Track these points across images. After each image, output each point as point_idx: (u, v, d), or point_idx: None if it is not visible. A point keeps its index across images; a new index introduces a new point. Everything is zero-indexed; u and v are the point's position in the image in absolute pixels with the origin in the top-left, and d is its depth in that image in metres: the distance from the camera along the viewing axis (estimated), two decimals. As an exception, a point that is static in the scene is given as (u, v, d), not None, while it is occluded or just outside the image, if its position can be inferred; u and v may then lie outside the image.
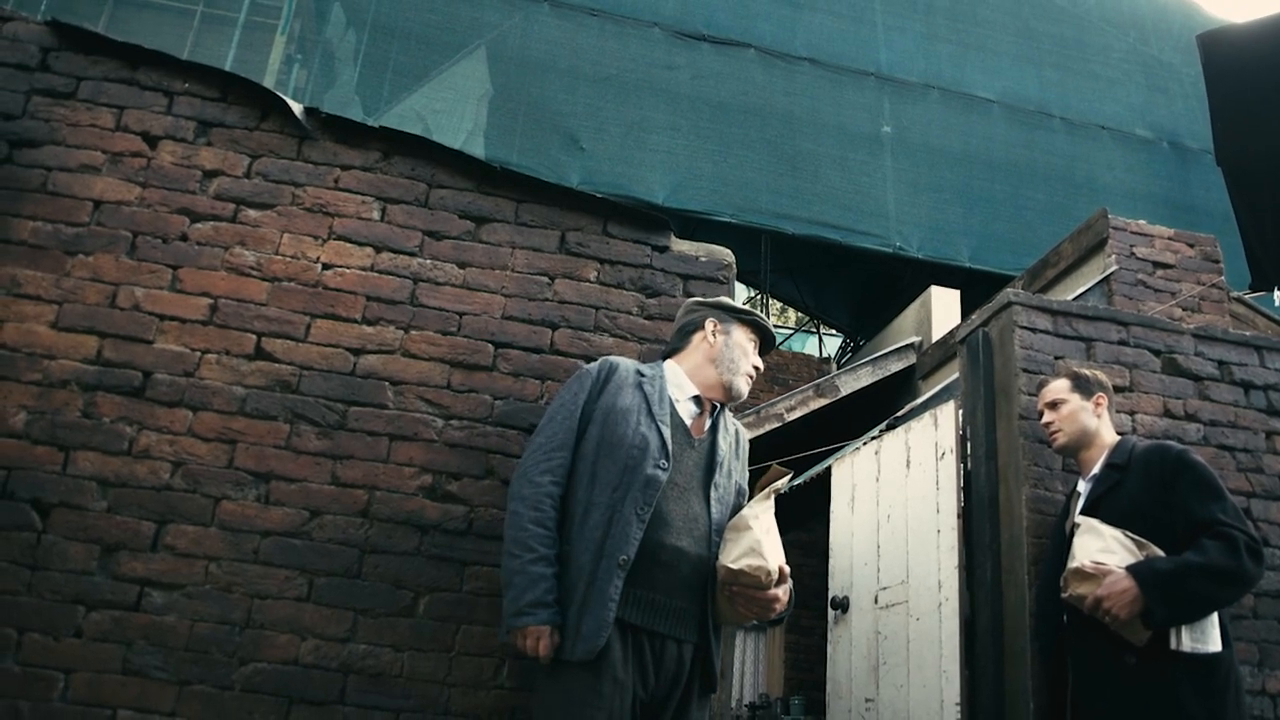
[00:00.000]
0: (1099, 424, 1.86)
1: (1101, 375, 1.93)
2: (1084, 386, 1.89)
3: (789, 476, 1.51)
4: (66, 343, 1.64)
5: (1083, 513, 1.76)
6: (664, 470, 1.40)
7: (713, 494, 1.47)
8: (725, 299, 1.67)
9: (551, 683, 1.34)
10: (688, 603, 1.40)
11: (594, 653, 1.28)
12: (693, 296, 1.90)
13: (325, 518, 1.63)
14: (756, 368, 1.61)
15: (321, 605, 1.58)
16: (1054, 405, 1.90)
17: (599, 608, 1.30)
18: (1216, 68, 3.16)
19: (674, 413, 1.51)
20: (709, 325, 1.59)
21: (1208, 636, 1.51)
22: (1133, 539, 1.62)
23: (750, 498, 1.53)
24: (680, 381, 1.56)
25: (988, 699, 2.05)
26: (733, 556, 1.41)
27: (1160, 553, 1.59)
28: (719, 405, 1.58)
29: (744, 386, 1.58)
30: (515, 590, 1.34)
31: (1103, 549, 1.60)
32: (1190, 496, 1.64)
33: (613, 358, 1.57)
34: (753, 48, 5.43)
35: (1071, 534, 1.72)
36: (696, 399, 1.55)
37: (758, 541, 1.41)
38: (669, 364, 1.60)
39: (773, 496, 1.49)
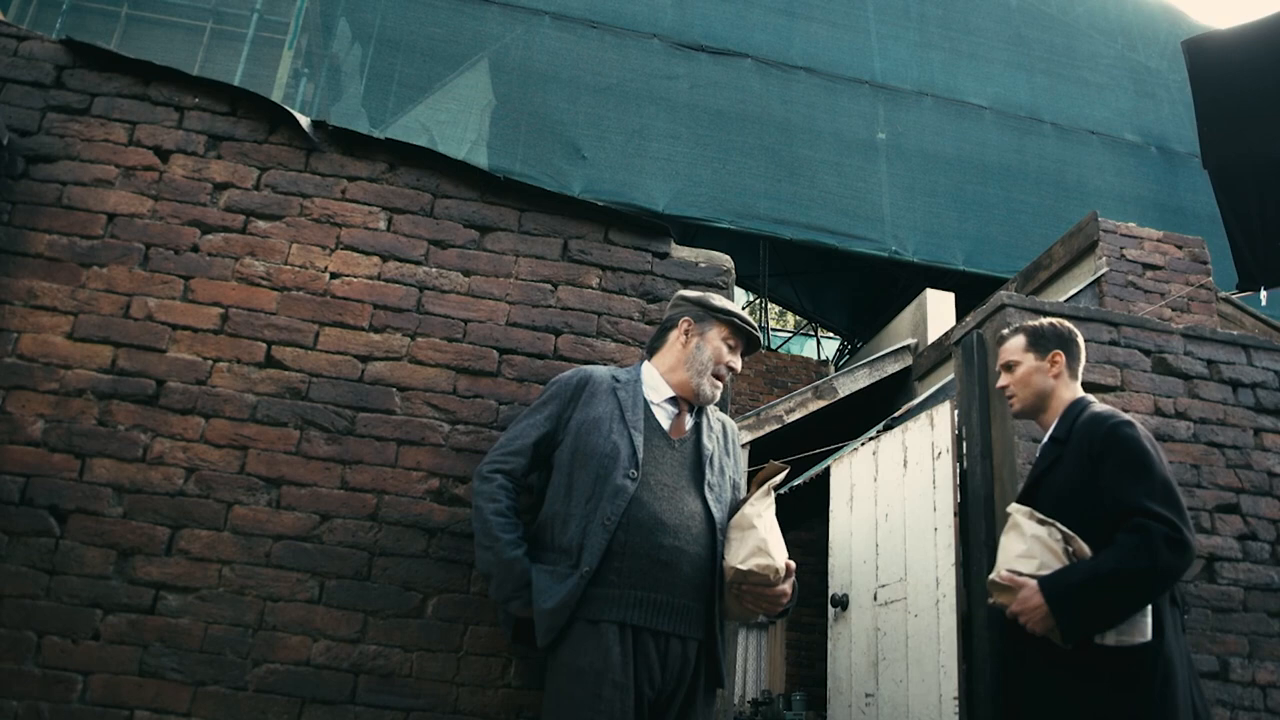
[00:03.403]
0: (1056, 384, 1.69)
1: (1064, 326, 1.73)
2: (1038, 343, 1.71)
3: (785, 472, 1.54)
4: (82, 352, 1.68)
5: (1024, 490, 1.67)
6: (632, 480, 1.42)
7: (709, 494, 1.49)
8: (711, 296, 1.62)
9: (555, 685, 1.37)
10: (691, 600, 1.43)
11: (547, 640, 1.38)
12: None
13: (335, 521, 1.66)
14: (732, 369, 1.58)
15: (332, 607, 1.61)
16: (1009, 367, 1.74)
17: (560, 609, 1.37)
18: (1201, 73, 3.23)
19: (649, 417, 1.52)
20: (682, 324, 1.59)
21: (1134, 628, 1.41)
22: (1060, 534, 1.50)
23: (748, 495, 1.55)
24: (656, 384, 1.57)
25: (985, 693, 2.08)
26: (740, 557, 1.43)
27: (1086, 550, 1.47)
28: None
29: (710, 390, 1.55)
30: (498, 579, 1.43)
31: (1022, 554, 1.51)
32: (1115, 478, 1.50)
33: (588, 368, 1.60)
34: (750, 57, 5.51)
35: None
36: (674, 400, 1.56)
37: (763, 540, 1.43)
38: (646, 366, 1.61)
39: (772, 493, 1.52)
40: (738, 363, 1.60)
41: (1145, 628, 1.42)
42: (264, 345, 1.74)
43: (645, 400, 1.54)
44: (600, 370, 1.58)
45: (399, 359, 1.78)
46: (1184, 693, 1.43)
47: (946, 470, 2.51)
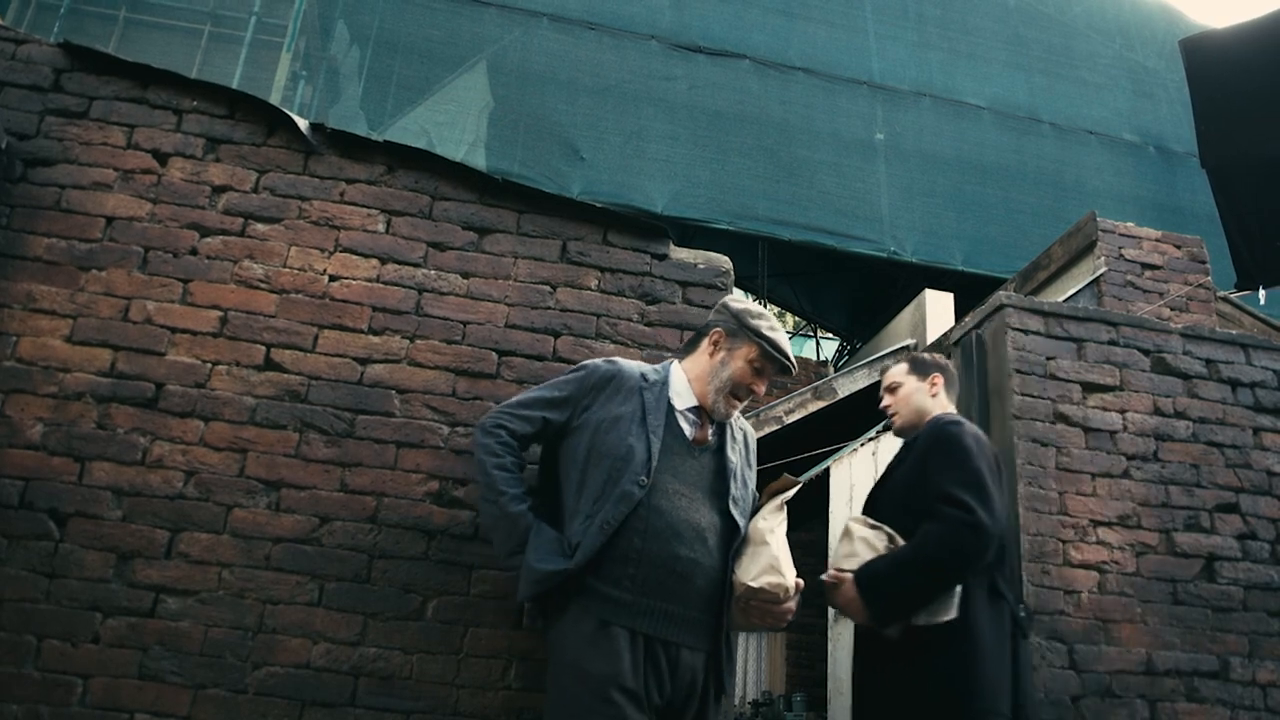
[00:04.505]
0: (932, 403, 1.87)
1: (944, 360, 1.96)
2: (920, 368, 1.92)
3: (799, 486, 1.53)
4: (81, 356, 1.68)
5: (874, 487, 1.84)
6: (641, 487, 1.39)
7: (733, 508, 1.47)
8: (749, 313, 1.54)
9: (561, 685, 1.36)
10: (701, 612, 1.42)
11: (524, 597, 1.41)
12: (692, 303, 1.94)
13: (335, 524, 1.66)
14: (753, 392, 1.52)
15: (332, 609, 1.61)
16: (892, 389, 1.92)
17: (546, 576, 1.37)
18: (1199, 72, 3.24)
19: (671, 422, 1.48)
20: (714, 334, 1.54)
21: (941, 608, 1.55)
22: (886, 535, 1.63)
23: (758, 506, 1.54)
24: (682, 389, 1.53)
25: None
26: (752, 574, 1.43)
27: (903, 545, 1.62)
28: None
29: (725, 409, 1.50)
30: (501, 533, 1.43)
31: (847, 554, 1.65)
32: (935, 470, 1.66)
33: (620, 361, 1.56)
34: (748, 58, 5.51)
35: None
36: (697, 409, 1.52)
37: (775, 558, 1.44)
38: (675, 368, 1.57)
39: (785, 508, 1.51)
40: (761, 387, 1.53)
41: (951, 607, 1.55)
42: (263, 348, 1.74)
43: (670, 405, 1.50)
44: (630, 366, 1.54)
45: (398, 361, 1.78)
46: (992, 672, 1.53)
47: (946, 470, 2.51)
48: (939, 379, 1.88)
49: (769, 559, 1.43)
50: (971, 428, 1.72)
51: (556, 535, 1.41)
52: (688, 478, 1.46)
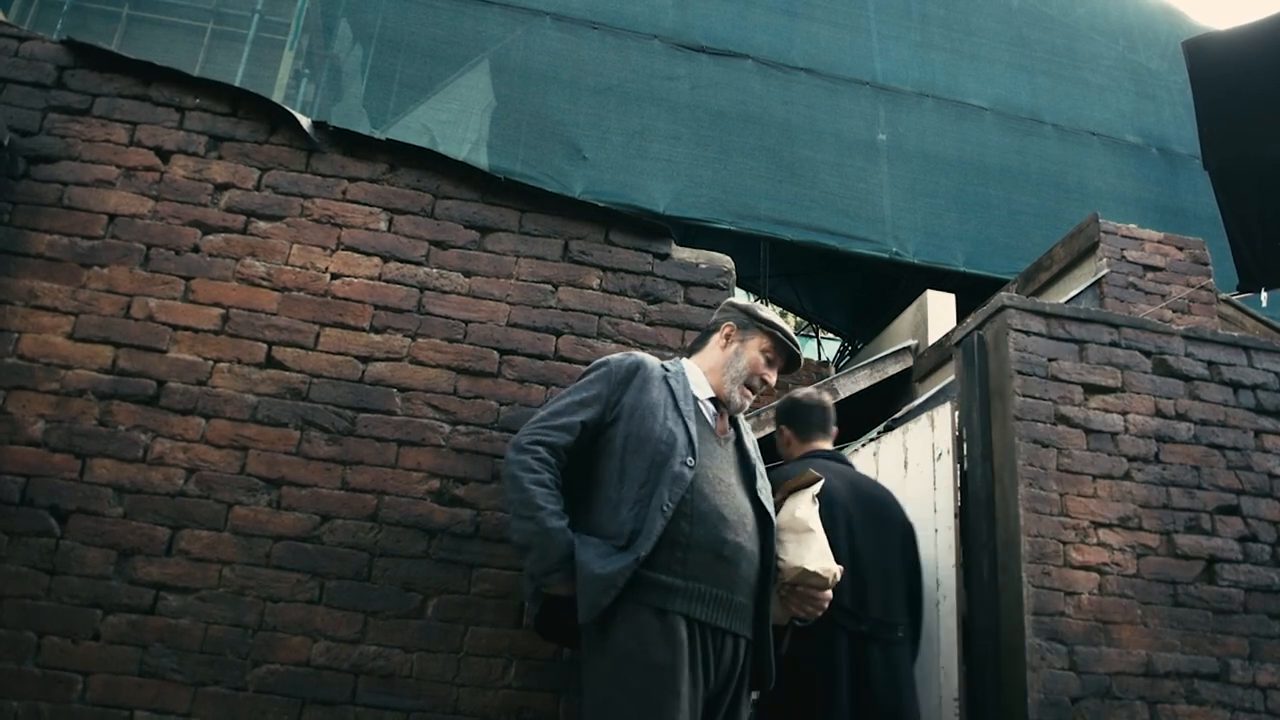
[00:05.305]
0: (790, 451, 2.06)
1: (787, 400, 2.11)
2: (776, 424, 2.10)
3: (821, 481, 1.57)
4: (83, 353, 1.68)
5: None
6: (690, 468, 1.39)
7: (761, 496, 1.49)
8: (758, 307, 1.62)
9: (620, 683, 1.28)
10: (745, 598, 1.41)
11: (592, 615, 1.32)
12: (693, 303, 1.95)
13: (335, 522, 1.66)
14: (765, 382, 1.56)
15: (332, 608, 1.61)
16: None
17: (611, 580, 1.30)
18: (1202, 74, 3.24)
19: (698, 410, 1.50)
20: (725, 328, 1.59)
21: (782, 645, 1.74)
22: None
23: (783, 499, 1.56)
24: (699, 380, 1.56)
25: (986, 695, 2.08)
26: (808, 558, 1.44)
27: None
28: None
29: (739, 399, 1.54)
30: (539, 550, 1.35)
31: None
32: None
33: (638, 354, 1.57)
34: (750, 58, 5.51)
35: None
36: (714, 400, 1.55)
37: (825, 545, 1.46)
38: (687, 363, 1.60)
39: (817, 501, 1.54)
40: (772, 377, 1.57)
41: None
42: (264, 346, 1.74)
43: (693, 394, 1.52)
44: (650, 358, 1.56)
45: (399, 360, 1.78)
46: (805, 690, 1.70)
47: (947, 471, 2.51)
48: (784, 430, 2.07)
49: (821, 545, 1.45)
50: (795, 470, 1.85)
51: (599, 541, 1.36)
52: (721, 464, 1.47)
